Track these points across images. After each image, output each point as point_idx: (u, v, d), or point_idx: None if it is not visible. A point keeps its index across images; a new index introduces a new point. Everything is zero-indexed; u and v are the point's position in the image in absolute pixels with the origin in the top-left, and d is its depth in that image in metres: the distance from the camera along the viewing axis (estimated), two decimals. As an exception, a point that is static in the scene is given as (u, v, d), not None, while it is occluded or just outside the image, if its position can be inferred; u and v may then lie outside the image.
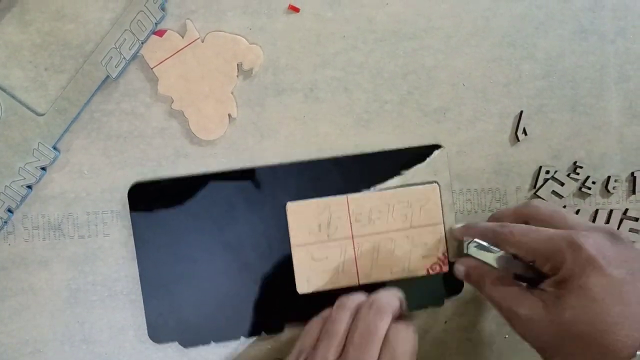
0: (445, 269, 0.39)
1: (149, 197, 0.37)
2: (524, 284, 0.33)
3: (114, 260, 0.37)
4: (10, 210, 0.36)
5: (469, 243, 0.36)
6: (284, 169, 0.38)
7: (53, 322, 0.37)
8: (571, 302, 0.29)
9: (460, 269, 0.36)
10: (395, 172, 0.39)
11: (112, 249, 0.37)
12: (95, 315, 0.37)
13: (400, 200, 0.38)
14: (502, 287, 0.33)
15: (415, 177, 0.39)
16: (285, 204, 0.38)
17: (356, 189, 0.38)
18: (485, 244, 0.35)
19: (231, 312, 0.38)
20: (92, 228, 0.37)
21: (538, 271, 0.32)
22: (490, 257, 0.34)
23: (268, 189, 0.38)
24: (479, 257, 0.35)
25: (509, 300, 0.32)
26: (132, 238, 0.37)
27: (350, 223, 0.38)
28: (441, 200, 0.39)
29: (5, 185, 0.36)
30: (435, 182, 0.39)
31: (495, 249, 0.34)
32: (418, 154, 0.39)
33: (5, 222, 0.36)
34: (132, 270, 0.37)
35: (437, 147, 0.39)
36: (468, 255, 0.36)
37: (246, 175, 0.38)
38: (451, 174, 0.39)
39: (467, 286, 0.39)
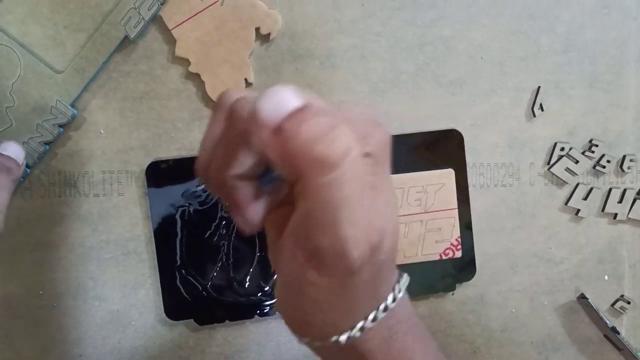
0: (458, 254, 0.39)
1: (164, 165, 0.38)
2: None
3: (128, 219, 0.38)
4: (27, 166, 0.36)
5: None
6: None
7: (66, 277, 0.38)
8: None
9: None
10: (412, 156, 0.38)
11: (126, 209, 0.38)
12: (108, 273, 0.38)
13: (415, 184, 0.38)
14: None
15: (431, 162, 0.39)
16: None
17: None
18: None
19: (245, 291, 0.38)
20: (107, 187, 0.38)
21: None
22: None
23: None
24: None
25: None
26: (146, 198, 0.37)
27: None
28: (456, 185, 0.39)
29: (23, 142, 0.36)
30: (451, 167, 0.39)
31: None
32: (435, 138, 0.39)
33: (23, 177, 0.36)
34: (145, 230, 0.38)
35: (454, 131, 0.39)
36: None
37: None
38: (465, 148, 0.39)
39: (479, 273, 0.39)
